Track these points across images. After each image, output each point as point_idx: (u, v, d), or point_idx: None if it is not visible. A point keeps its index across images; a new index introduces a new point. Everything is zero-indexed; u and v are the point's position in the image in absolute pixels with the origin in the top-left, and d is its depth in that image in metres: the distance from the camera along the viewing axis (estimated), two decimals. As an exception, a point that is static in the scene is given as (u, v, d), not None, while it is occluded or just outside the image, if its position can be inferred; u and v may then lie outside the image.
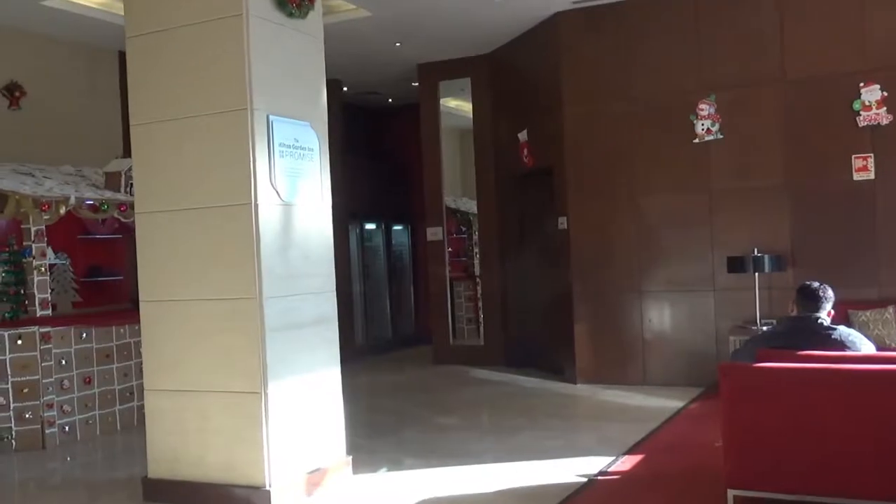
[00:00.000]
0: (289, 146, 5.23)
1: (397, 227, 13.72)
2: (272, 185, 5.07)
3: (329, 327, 5.71)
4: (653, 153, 8.63)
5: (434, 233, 11.15)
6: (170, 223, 5.21)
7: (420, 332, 13.10)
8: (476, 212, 11.23)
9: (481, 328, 11.08)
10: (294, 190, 5.27)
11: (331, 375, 5.73)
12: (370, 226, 13.13)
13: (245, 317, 4.99)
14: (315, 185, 5.54)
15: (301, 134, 5.37)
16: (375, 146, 14.07)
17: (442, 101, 12.29)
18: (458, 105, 12.88)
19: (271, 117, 5.10)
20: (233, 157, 4.99)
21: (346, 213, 11.82)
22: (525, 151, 9.89)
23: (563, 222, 9.17)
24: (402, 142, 13.20)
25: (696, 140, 8.40)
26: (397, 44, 10.11)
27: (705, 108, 8.36)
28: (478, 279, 11.41)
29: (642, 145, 8.67)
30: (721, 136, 8.30)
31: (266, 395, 4.96)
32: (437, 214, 11.15)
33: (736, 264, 7.92)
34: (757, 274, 7.86)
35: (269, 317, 5.00)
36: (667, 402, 7.75)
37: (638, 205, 8.74)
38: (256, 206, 4.96)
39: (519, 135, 9.98)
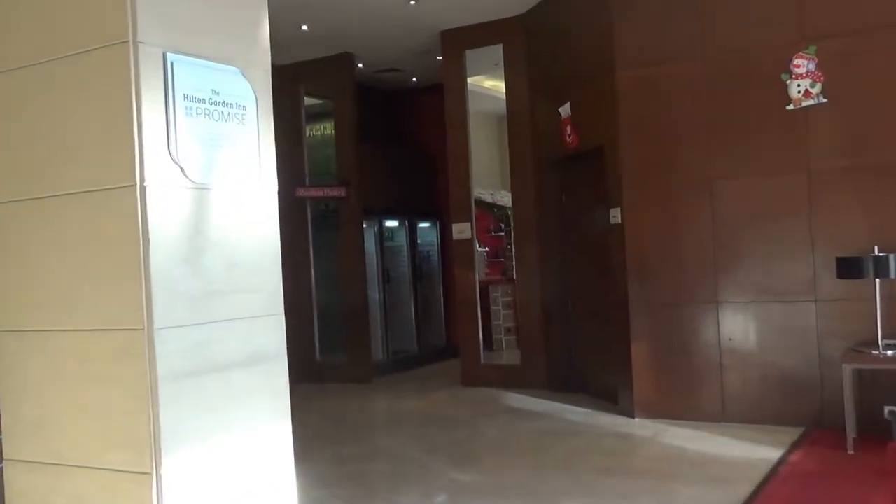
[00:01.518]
0: (202, 101, 3.46)
1: (424, 224, 11.96)
2: (172, 158, 3.32)
3: (272, 368, 3.96)
4: (734, 125, 6.73)
5: (461, 230, 9.36)
6: (15, 218, 3.51)
7: (451, 345, 11.33)
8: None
9: (518, 343, 9.25)
10: (211, 166, 3.51)
11: (274, 440, 3.96)
12: (391, 223, 11.40)
13: (128, 357, 3.26)
14: (248, 158, 3.78)
15: (224, 84, 3.60)
16: (398, 132, 12.33)
17: (475, 80, 10.58)
18: (493, 86, 11.10)
19: (170, 56, 3.34)
20: (107, 117, 3.27)
21: (360, 209, 10.12)
22: (568, 129, 8.05)
23: (615, 215, 7.32)
24: (428, 127, 11.40)
25: (791, 106, 6.47)
26: (412, 1, 8.35)
27: (803, 65, 6.42)
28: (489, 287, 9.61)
29: (720, 115, 6.78)
30: (824, 100, 6.36)
31: (159, 475, 3.22)
32: (465, 208, 9.37)
33: (849, 267, 5.98)
34: (878, 280, 5.91)
35: (166, 356, 3.25)
36: (756, 450, 5.88)
37: (714, 191, 6.84)
38: (144, 189, 3.20)
39: (560, 109, 8.14)
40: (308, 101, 10.96)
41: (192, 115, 3.49)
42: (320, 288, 10.81)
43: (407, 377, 10.57)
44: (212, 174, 3.60)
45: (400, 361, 11.13)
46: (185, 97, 3.47)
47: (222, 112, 3.66)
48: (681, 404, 7.00)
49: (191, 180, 3.48)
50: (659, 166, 7.07)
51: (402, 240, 11.57)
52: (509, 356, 9.85)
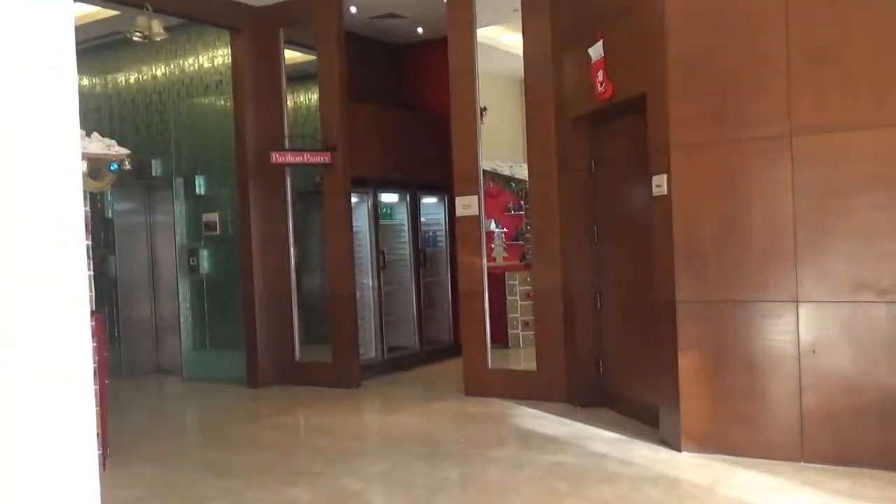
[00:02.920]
0: None
1: (429, 199, 10.25)
2: None
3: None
4: (838, 57, 4.93)
5: (466, 204, 7.64)
6: None
7: (459, 342, 9.61)
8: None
9: (534, 345, 7.53)
10: None
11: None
12: (389, 197, 9.70)
13: None
14: None
15: None
16: (402, 92, 10.61)
17: (491, 32, 8.85)
18: (515, 44, 9.31)
19: None
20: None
21: (349, 179, 8.44)
22: (599, 76, 6.28)
23: (660, 184, 5.57)
24: (437, 87, 9.64)
25: (912, 31, 4.67)
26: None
27: (929, -27, 4.61)
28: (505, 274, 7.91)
29: (811, 39, 4.99)
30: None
31: None
32: (470, 179, 7.64)
33: None
34: None
35: None
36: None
37: (798, 151, 5.05)
38: None
39: (590, 50, 6.35)
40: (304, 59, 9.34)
41: None
42: (303, 274, 9.17)
43: (403, 380, 8.90)
44: None
45: (397, 361, 9.47)
46: None
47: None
48: (744, 436, 5.26)
49: None
50: (719, 119, 5.30)
51: (402, 217, 9.87)
52: (527, 356, 8.11)
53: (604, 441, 5.85)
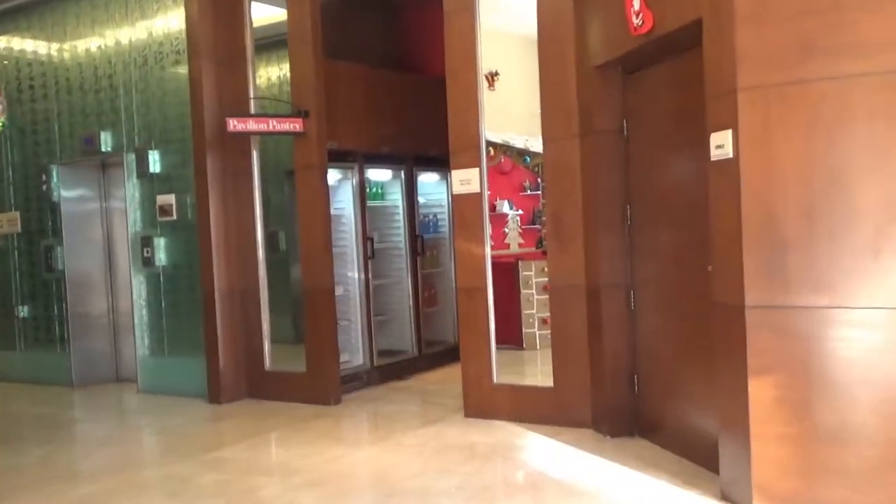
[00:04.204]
0: None
1: (429, 176, 8.71)
2: None
3: None
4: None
5: (464, 179, 6.12)
6: None
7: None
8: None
9: (552, 356, 5.99)
10: None
11: None
12: (379, 173, 8.18)
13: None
14: None
15: None
16: (396, 52, 9.07)
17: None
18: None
19: None
20: None
21: (324, 150, 6.97)
22: (634, 4, 4.72)
23: (722, 144, 4.02)
24: (439, 46, 8.11)
25: None
26: None
27: None
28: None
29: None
30: None
31: None
32: (470, 147, 6.11)
33: None
34: None
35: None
36: None
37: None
38: None
39: (622, -28, 4.81)
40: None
41: None
42: (275, 267, 7.69)
43: (394, 394, 7.41)
44: None
45: (389, 369, 7.98)
46: None
47: None
48: (845, 496, 3.73)
49: None
50: (807, 49, 3.74)
51: (396, 197, 8.35)
52: (545, 360, 6.54)
53: (642, 490, 4.34)
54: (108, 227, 8.91)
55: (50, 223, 8.74)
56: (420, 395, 7.28)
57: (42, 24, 8.71)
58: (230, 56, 7.26)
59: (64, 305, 8.61)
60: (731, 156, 3.94)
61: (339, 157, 7.47)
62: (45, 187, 8.70)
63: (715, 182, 4.11)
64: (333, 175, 7.57)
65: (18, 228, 9.03)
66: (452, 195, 6.22)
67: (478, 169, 6.05)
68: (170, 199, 7.69)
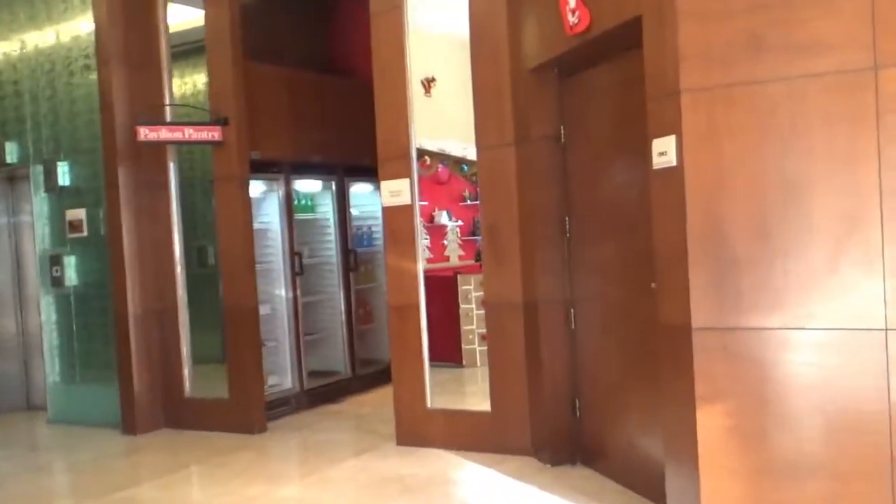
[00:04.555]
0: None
1: (362, 188, 8.28)
2: None
3: None
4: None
5: (394, 191, 5.71)
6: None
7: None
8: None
9: (490, 378, 5.61)
10: None
11: None
12: (307, 184, 7.72)
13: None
14: None
15: None
16: (326, 55, 8.64)
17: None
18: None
19: None
20: None
21: (246, 160, 6.52)
22: (570, 3, 4.38)
23: (664, 150, 3.69)
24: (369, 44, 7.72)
25: None
26: None
27: None
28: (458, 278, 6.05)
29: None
30: None
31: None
32: (400, 157, 5.71)
33: None
34: None
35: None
36: None
37: (894, 92, 3.23)
38: None
39: (556, -33, 4.46)
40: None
41: None
42: (204, 282, 7.20)
43: (325, 419, 6.95)
44: None
45: (320, 392, 7.52)
46: None
47: None
48: (803, 534, 3.42)
49: None
50: (757, 45, 3.43)
51: (326, 209, 7.90)
52: (485, 380, 6.14)
53: (586, 532, 3.99)
54: (15, 244, 8.28)
55: (-49, 240, 8.09)
56: (352, 421, 6.84)
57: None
58: (143, 61, 6.75)
59: (-34, 330, 7.97)
60: (674, 163, 3.61)
61: (264, 168, 7.01)
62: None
63: (658, 192, 3.78)
64: (258, 187, 7.11)
65: (-83, 247, 8.34)
66: (382, 207, 5.80)
67: (408, 179, 5.65)
68: (80, 213, 7.13)
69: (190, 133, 6.31)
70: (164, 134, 6.25)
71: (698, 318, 3.56)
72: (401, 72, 5.65)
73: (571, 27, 4.37)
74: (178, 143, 6.51)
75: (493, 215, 5.34)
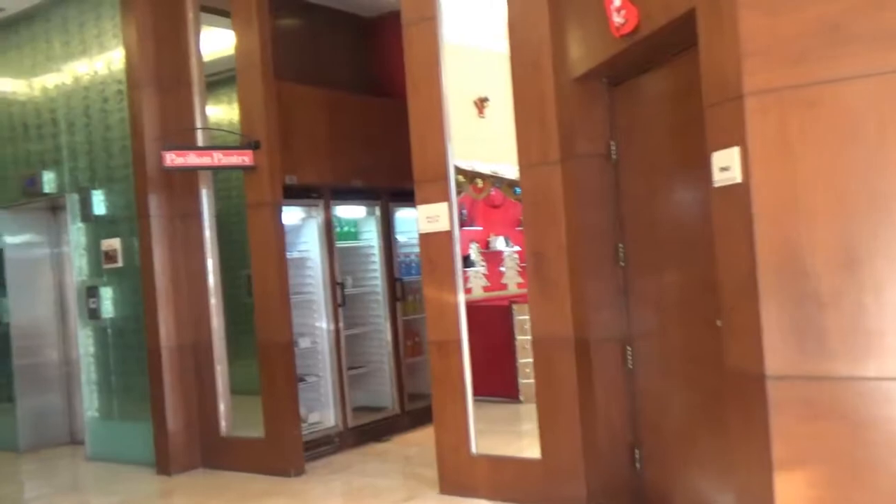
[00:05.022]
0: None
1: (407, 212, 7.81)
2: None
3: None
4: None
5: (431, 216, 5.24)
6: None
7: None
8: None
9: (539, 420, 5.05)
10: None
11: None
12: (349, 210, 7.32)
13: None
14: None
15: None
16: (368, 75, 8.24)
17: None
18: None
19: None
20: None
21: (280, 185, 6.17)
22: (614, 2, 3.85)
23: (726, 165, 3.11)
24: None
25: None
26: None
27: None
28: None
29: None
30: None
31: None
32: (436, 178, 5.23)
33: None
34: None
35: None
36: None
37: None
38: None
39: (601, -39, 3.94)
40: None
41: None
42: (246, 312, 6.82)
43: (369, 460, 6.49)
44: None
45: (366, 429, 7.06)
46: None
47: None
48: None
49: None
50: (836, 36, 2.85)
51: (370, 236, 7.48)
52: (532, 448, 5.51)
53: None
54: (59, 275, 8.10)
55: (-3, 273, 7.95)
56: (397, 463, 6.35)
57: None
58: (174, 84, 6.47)
59: (8, 364, 7.78)
60: (738, 180, 3.05)
61: (302, 194, 6.64)
62: (-14, 235, 7.93)
63: (720, 214, 3.21)
64: (296, 214, 6.74)
65: (-36, 279, 8.24)
66: (419, 234, 5.33)
67: (446, 203, 5.17)
68: (115, 243, 6.86)
69: (219, 158, 5.96)
70: (191, 159, 5.92)
71: (773, 364, 2.98)
72: (435, 86, 5.18)
73: (618, 28, 3.85)
74: (207, 169, 6.17)
75: (537, 241, 4.81)
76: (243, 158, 6.01)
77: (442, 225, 5.17)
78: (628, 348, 4.46)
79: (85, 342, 7.21)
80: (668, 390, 4.22)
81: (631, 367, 4.46)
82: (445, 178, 5.18)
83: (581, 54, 4.40)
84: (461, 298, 5.18)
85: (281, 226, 6.11)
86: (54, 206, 7.92)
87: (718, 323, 3.34)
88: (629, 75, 4.22)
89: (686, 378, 4.02)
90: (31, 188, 7.44)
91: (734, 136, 3.05)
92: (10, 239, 7.85)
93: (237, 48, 6.16)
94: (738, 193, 3.06)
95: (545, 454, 4.87)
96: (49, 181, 7.37)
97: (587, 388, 4.58)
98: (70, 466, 7.18)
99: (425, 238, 5.27)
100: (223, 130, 6.50)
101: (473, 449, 5.17)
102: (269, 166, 6.03)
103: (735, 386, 3.20)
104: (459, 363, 5.17)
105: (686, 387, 4.03)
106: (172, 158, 5.86)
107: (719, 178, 3.16)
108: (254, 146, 6.02)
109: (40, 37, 7.42)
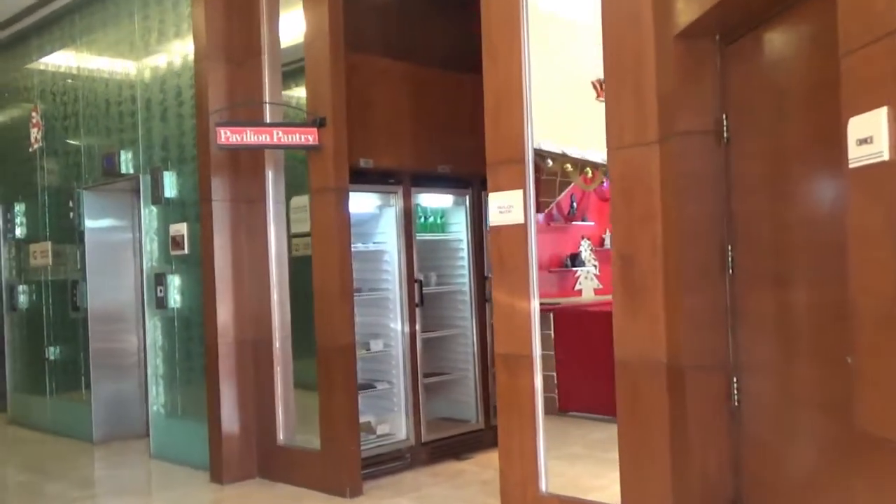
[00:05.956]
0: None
1: (503, 204, 6.98)
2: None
3: None
4: None
5: (504, 206, 4.40)
6: None
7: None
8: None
9: (621, 452, 4.13)
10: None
11: None
12: (433, 198, 6.57)
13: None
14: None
15: None
16: (462, 52, 7.42)
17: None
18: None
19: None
20: None
21: (345, 168, 5.49)
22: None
23: (868, 137, 2.13)
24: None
25: None
26: None
27: None
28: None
29: None
30: None
31: None
32: (512, 161, 4.39)
33: None
34: None
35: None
36: None
37: None
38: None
39: None
40: None
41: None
42: (300, 312, 6.20)
43: (437, 482, 5.73)
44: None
45: (443, 445, 6.30)
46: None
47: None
48: None
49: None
50: None
51: (458, 228, 6.71)
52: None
53: None
54: (141, 260, 7.78)
55: (78, 255, 7.70)
56: (470, 488, 5.55)
57: (72, 32, 7.74)
58: (245, 57, 5.92)
59: (83, 352, 7.52)
60: (885, 157, 2.07)
61: (378, 179, 5.96)
62: (72, 215, 7.69)
63: (858, 206, 2.23)
64: (371, 201, 6.07)
65: (50, 261, 8.07)
66: (489, 227, 4.51)
67: (521, 191, 4.32)
68: (182, 228, 6.41)
69: (279, 136, 5.34)
70: (248, 137, 5.32)
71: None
72: (515, 53, 4.35)
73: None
74: (266, 148, 5.57)
75: (627, 241, 3.89)
76: (307, 137, 5.36)
77: (515, 217, 4.33)
78: (734, 380, 3.48)
79: (153, 333, 6.83)
80: (783, 440, 3.22)
81: (737, 404, 3.48)
82: (522, 160, 4.34)
83: (686, 5, 3.45)
84: (535, 305, 4.33)
85: (346, 214, 5.43)
86: (135, 189, 7.59)
87: (849, 360, 2.37)
88: (748, 28, 3.24)
89: (809, 427, 3.03)
90: (110, 168, 7.12)
91: (881, 92, 2.08)
92: (90, 223, 7.58)
93: (305, 16, 5.52)
94: (885, 177, 2.08)
95: (626, 497, 3.95)
96: (126, 161, 7.03)
97: (681, 426, 3.64)
98: (129, 464, 6.80)
99: (496, 231, 4.45)
100: (289, 105, 5.89)
101: (543, 487, 4.32)
102: (335, 147, 5.35)
103: (869, 454, 2.23)
104: (530, 383, 4.33)
105: (808, 438, 3.04)
106: (227, 136, 5.27)
107: (857, 155, 2.19)
108: (319, 123, 5.37)
109: (123, 12, 7.07)
